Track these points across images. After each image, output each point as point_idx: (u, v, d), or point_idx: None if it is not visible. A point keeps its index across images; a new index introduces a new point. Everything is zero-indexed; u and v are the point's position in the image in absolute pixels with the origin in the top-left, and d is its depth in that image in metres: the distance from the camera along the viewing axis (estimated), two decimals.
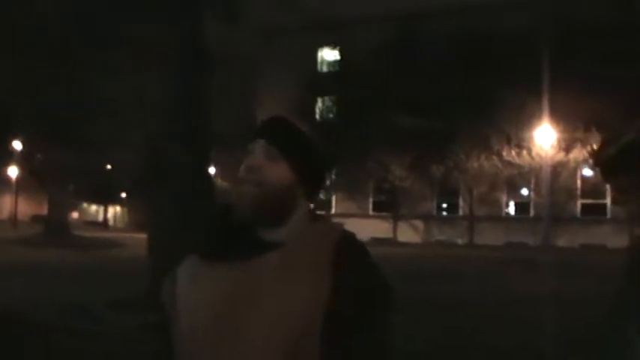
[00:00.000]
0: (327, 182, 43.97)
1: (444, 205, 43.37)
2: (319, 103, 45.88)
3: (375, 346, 1.91)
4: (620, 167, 1.78)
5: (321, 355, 1.86)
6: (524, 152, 36.65)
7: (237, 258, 1.95)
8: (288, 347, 1.85)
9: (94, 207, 78.33)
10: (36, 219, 54.22)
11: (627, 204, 1.81)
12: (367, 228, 41.78)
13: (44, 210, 42.69)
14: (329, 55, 47.63)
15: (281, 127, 2.05)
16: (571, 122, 33.86)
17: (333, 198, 44.69)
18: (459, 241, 40.41)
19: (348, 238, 2.00)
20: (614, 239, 32.64)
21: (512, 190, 41.23)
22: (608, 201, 36.55)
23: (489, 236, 39.19)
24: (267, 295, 1.88)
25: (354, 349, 1.87)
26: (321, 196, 44.43)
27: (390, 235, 41.55)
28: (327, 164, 2.11)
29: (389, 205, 42.38)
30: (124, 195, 68.62)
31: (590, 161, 34.11)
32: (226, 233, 2.00)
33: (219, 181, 59.00)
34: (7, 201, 58.36)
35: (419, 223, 42.30)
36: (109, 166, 56.05)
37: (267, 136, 2.02)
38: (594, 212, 37.72)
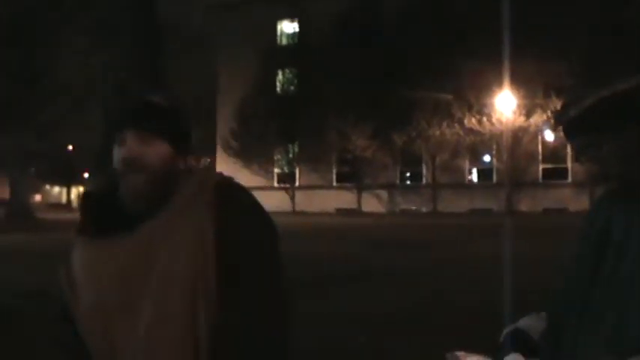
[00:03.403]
0: (290, 155, 43.98)
1: (407, 174, 43.61)
2: (279, 76, 45.83)
3: (264, 288, 1.93)
4: (581, 127, 1.89)
5: (219, 304, 1.89)
6: (485, 119, 36.86)
7: (127, 230, 1.95)
8: (186, 305, 1.88)
9: (57, 188, 77.72)
10: None
11: (587, 163, 1.92)
12: (331, 199, 42.03)
13: (6, 194, 42.21)
14: (288, 27, 47.46)
15: (146, 110, 2.00)
16: (531, 88, 34.10)
17: (297, 170, 44.72)
18: (423, 210, 40.70)
19: (224, 183, 2.03)
20: (575, 202, 33.10)
21: (475, 157, 41.52)
22: (569, 165, 37.02)
23: (453, 204, 39.54)
24: (155, 260, 1.91)
25: (242, 294, 1.89)
26: (285, 169, 44.49)
27: (354, 205, 41.74)
28: (188, 119, 2.08)
29: (352, 176, 42.54)
30: (87, 175, 68.06)
31: (552, 123, 34.57)
32: (113, 210, 2.00)
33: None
34: None
35: (383, 193, 42.53)
36: (70, 147, 55.62)
37: (136, 125, 1.97)
38: (555, 176, 38.20)
